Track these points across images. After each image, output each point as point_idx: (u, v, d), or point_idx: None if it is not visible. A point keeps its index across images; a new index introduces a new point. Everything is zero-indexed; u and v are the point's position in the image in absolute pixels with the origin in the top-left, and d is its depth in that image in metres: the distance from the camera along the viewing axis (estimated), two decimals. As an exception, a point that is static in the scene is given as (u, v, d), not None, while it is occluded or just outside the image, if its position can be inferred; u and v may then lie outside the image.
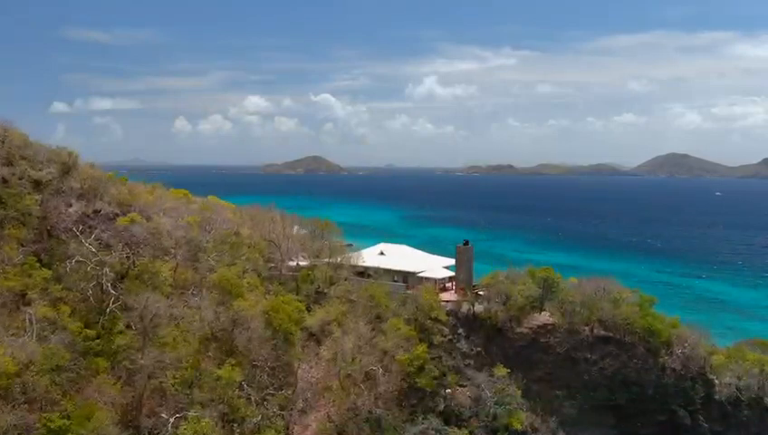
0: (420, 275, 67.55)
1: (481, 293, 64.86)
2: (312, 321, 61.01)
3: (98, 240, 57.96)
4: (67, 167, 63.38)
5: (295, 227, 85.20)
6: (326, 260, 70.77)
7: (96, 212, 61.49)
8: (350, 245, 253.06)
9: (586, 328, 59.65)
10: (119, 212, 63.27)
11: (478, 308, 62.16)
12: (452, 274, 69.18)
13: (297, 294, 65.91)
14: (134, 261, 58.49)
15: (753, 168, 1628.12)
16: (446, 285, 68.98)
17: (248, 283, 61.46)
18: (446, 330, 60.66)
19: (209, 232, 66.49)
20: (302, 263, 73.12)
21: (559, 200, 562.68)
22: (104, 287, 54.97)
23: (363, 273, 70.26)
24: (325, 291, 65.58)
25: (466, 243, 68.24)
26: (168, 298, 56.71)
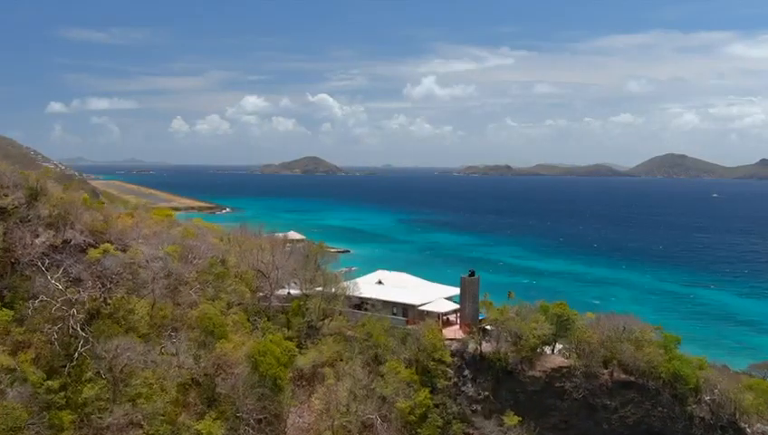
0: (422, 308, 61.95)
1: (488, 328, 59.35)
2: (304, 361, 55.52)
3: (67, 275, 52.49)
4: (35, 192, 57.75)
5: (287, 248, 79.80)
6: (319, 289, 65.15)
7: (66, 243, 55.86)
8: (348, 251, 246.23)
9: (605, 371, 54.21)
10: (92, 242, 57.64)
11: (486, 347, 56.67)
12: (456, 306, 63.61)
13: (288, 329, 60.49)
14: (106, 298, 53.04)
15: (751, 168, 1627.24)
16: (450, 318, 63.43)
17: (233, 320, 55.90)
18: (451, 372, 55.21)
19: (192, 261, 60.93)
20: (293, 291, 67.60)
21: (557, 203, 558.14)
22: (72, 329, 49.57)
23: (360, 305, 64.67)
24: (318, 326, 59.95)
25: (472, 274, 62.58)
26: (144, 339, 51.35)
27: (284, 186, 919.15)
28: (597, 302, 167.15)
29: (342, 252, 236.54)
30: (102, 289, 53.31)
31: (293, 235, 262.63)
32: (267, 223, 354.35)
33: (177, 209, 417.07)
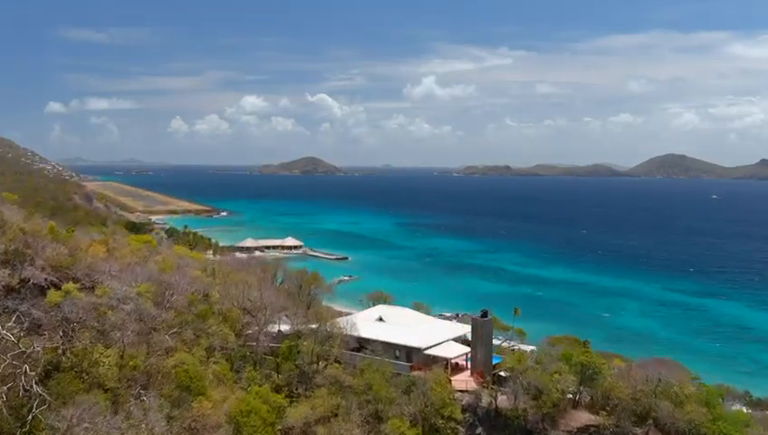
0: (428, 352, 55.06)
1: (503, 374, 52.56)
2: (295, 417, 48.64)
3: (23, 322, 45.68)
4: (-11, 224, 50.96)
5: (279, 277, 73.06)
6: (313, 327, 58.27)
7: (24, 282, 49.05)
8: (346, 258, 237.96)
9: (639, 431, 47.49)
10: (55, 279, 50.86)
11: (502, 401, 49.86)
12: (465, 349, 56.73)
13: (278, 374, 53.78)
14: (67, 349, 46.25)
15: (751, 168, 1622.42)
16: (459, 361, 56.55)
17: (214, 371, 49.03)
18: (462, 430, 48.41)
19: (170, 299, 54.04)
20: (284, 327, 60.86)
21: (558, 205, 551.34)
22: (24, 388, 42.78)
23: (359, 347, 57.77)
24: (311, 373, 53.08)
25: (484, 314, 55.65)
26: (111, 395, 44.51)
27: (283, 186, 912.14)
28: (606, 315, 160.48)
29: (340, 259, 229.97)
30: (63, 337, 46.50)
31: (291, 241, 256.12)
32: (264, 227, 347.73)
33: (174, 213, 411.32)
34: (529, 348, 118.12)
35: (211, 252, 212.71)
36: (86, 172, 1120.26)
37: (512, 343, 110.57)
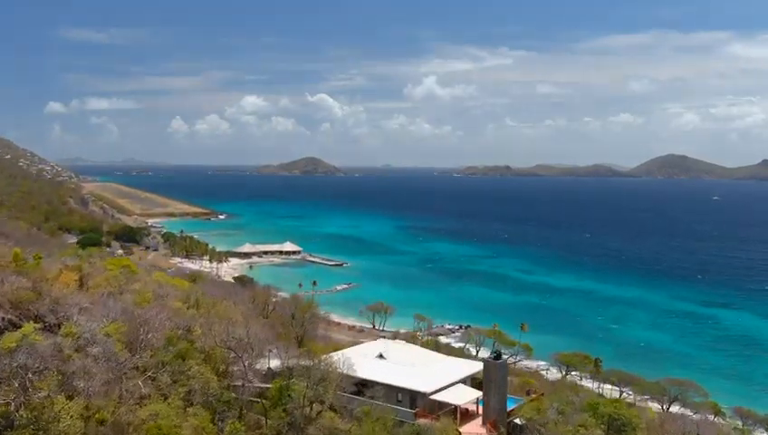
0: (434, 397, 49.22)
1: (518, 422, 46.75)
2: (284, 475, 42.91)
3: (-28, 371, 39.97)
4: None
5: (271, 302, 67.18)
6: (307, 364, 52.37)
7: (-23, 323, 43.32)
8: (345, 264, 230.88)
9: (675, 495, 41.79)
10: (15, 318, 45.09)
11: (518, 457, 44.15)
12: (477, 393, 50.88)
13: (266, 419, 48.01)
14: (23, 402, 40.53)
15: (753, 169, 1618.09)
16: (469, 407, 50.71)
17: (193, 425, 43.19)
18: (474, 491, 42.57)
19: (145, 337, 48.22)
20: (274, 363, 55.12)
21: (560, 205, 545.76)
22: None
23: (358, 389, 51.88)
24: (303, 423, 47.19)
25: (498, 356, 49.79)
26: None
27: (282, 188, 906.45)
28: (615, 326, 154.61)
29: (339, 265, 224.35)
30: (20, 388, 40.73)
31: (289, 246, 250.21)
32: (263, 230, 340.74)
33: (172, 215, 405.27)
34: (536, 364, 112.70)
35: (207, 258, 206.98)
36: (86, 172, 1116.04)
37: (518, 358, 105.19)
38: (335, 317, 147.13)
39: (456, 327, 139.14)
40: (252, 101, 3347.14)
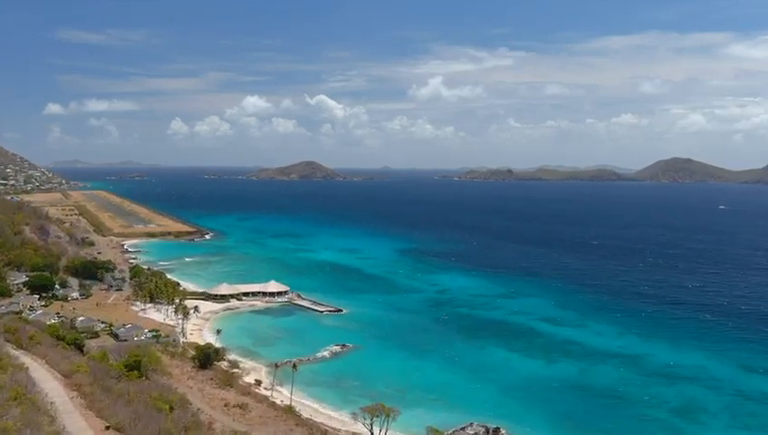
0: None
1: None
2: None
3: None
4: None
5: None
6: None
7: None
8: (340, 310, 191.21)
9: None
10: None
11: None
12: None
13: None
14: None
15: (759, 172, 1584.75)
16: None
17: None
18: None
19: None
20: None
21: (571, 221, 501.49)
22: None
23: None
24: None
25: None
26: None
27: (279, 194, 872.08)
28: (682, 425, 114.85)
29: (333, 312, 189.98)
30: None
31: (274, 286, 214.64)
32: (249, 257, 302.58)
33: (152, 235, 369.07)
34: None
35: (173, 308, 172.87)
36: (79, 177, 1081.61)
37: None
38: (322, 409, 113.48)
39: (484, 431, 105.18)
40: (253, 101, 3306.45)
